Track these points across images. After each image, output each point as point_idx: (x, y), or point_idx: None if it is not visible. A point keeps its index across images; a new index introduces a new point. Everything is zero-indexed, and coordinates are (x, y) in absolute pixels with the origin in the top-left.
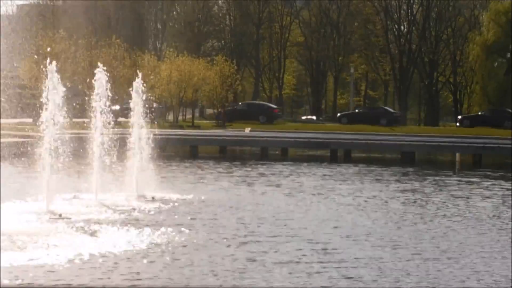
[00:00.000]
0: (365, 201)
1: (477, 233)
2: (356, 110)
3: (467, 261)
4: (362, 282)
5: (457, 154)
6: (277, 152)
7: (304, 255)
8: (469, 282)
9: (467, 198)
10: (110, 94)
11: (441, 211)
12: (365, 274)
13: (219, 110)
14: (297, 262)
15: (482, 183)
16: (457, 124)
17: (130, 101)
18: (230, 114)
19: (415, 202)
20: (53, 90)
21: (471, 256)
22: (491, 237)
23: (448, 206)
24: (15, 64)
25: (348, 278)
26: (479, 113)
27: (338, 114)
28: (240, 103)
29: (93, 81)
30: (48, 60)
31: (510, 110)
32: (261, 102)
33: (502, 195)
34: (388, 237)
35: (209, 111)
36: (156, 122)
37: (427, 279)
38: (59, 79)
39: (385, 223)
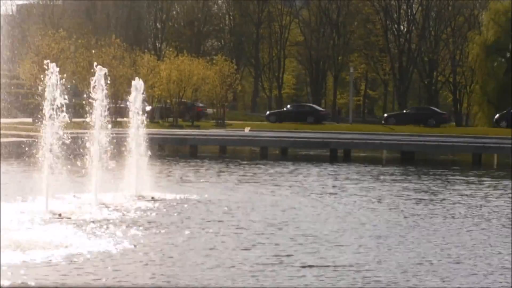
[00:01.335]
0: (381, 200)
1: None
2: (284, 109)
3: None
4: None
5: (384, 151)
6: (276, 151)
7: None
8: None
9: (479, 197)
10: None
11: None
12: None
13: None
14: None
15: (485, 182)
16: (383, 122)
17: (127, 100)
18: (160, 112)
19: (428, 201)
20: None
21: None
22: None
23: (463, 205)
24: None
25: None
26: (404, 111)
27: (268, 112)
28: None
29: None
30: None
31: (434, 108)
32: (188, 101)
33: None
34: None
35: (209, 110)
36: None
37: None
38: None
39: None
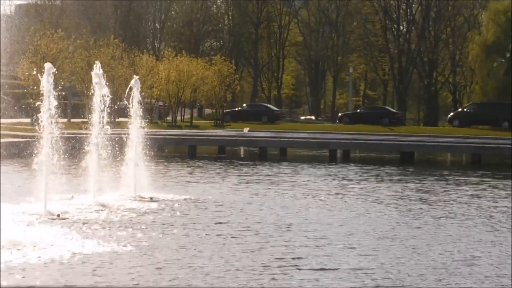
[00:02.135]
0: (385, 202)
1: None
2: (237, 109)
3: None
4: None
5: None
6: (275, 152)
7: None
8: None
9: (480, 198)
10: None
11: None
12: None
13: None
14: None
15: (486, 182)
16: (337, 121)
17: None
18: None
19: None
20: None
21: None
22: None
23: (464, 205)
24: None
25: None
26: (358, 110)
27: (225, 111)
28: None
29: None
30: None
31: (388, 108)
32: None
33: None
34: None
35: (208, 111)
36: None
37: None
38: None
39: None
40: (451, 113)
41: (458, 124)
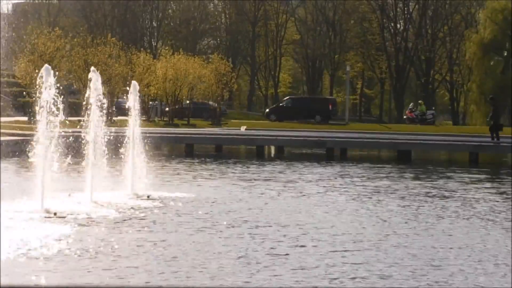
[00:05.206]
0: (383, 201)
1: None
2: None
3: None
4: None
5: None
6: (273, 150)
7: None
8: None
9: (481, 197)
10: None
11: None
12: None
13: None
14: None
15: (486, 181)
16: (159, 119)
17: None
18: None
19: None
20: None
21: None
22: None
23: (465, 204)
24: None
25: None
26: (182, 106)
27: (268, 109)
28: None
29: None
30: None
31: (211, 103)
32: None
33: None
34: None
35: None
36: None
37: None
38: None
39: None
40: (268, 108)
41: (276, 119)
